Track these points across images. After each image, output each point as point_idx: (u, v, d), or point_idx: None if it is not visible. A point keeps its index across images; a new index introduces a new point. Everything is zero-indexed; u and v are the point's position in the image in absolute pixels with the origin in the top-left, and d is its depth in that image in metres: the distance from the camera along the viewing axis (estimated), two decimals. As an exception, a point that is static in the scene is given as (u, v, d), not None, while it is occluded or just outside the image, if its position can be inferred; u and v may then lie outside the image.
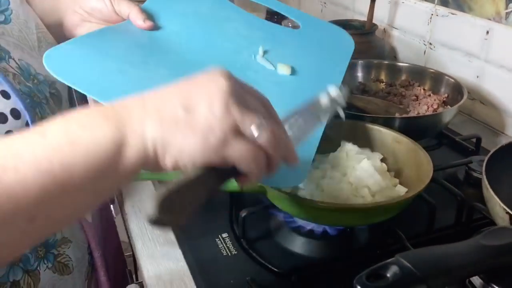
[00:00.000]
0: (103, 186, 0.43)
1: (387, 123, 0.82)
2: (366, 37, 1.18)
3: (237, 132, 0.43)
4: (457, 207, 0.72)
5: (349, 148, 0.75)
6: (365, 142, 0.79)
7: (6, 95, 0.59)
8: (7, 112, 0.58)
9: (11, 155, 0.40)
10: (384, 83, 1.07)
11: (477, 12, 1.02)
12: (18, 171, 0.39)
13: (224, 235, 0.71)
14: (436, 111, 0.93)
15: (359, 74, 1.09)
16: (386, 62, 1.11)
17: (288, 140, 0.47)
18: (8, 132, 0.58)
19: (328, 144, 0.79)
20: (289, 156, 0.47)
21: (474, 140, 0.92)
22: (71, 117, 0.42)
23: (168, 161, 0.43)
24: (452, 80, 0.97)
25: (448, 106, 0.94)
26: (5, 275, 0.65)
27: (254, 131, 0.43)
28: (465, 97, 0.89)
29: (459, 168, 0.85)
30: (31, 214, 0.40)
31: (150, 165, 0.43)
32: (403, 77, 1.07)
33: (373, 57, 1.18)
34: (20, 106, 0.59)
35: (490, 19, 0.99)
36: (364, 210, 0.63)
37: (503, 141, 0.97)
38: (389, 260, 0.41)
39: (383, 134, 0.78)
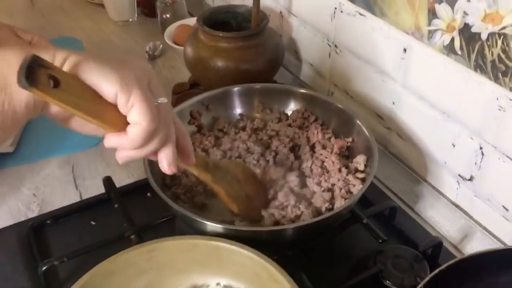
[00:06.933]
0: None
1: (274, 235, 0.58)
2: (252, 40, 0.88)
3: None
4: None
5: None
6: (233, 272, 0.55)
7: None
8: None
9: None
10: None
11: (391, 20, 0.74)
12: None
13: None
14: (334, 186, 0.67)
15: (236, 102, 0.81)
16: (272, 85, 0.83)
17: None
18: None
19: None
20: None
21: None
22: None
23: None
24: (358, 124, 0.72)
25: (355, 164, 0.70)
26: None
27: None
28: (375, 164, 0.65)
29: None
30: None
31: None
32: (299, 106, 0.80)
33: (267, 61, 0.90)
34: None
35: (408, 33, 0.72)
36: None
37: (425, 193, 0.77)
38: None
39: (256, 264, 0.54)
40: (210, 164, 0.61)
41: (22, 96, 0.42)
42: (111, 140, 0.47)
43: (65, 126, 0.47)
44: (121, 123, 0.45)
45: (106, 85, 0.43)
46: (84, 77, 0.43)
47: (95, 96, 0.44)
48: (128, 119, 0.45)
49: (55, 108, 0.44)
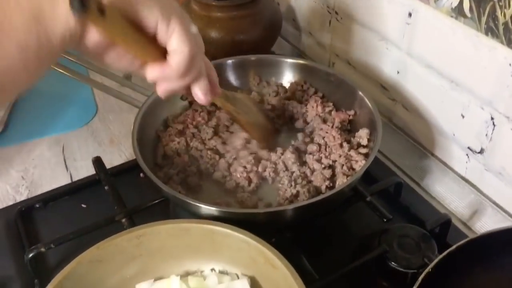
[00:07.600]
0: None
1: (271, 217, 0.55)
2: (247, 9, 0.83)
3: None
4: None
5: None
6: (228, 257, 0.52)
7: None
8: None
9: None
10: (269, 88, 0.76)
11: (395, -18, 0.69)
12: None
13: None
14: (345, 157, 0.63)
15: (231, 76, 0.77)
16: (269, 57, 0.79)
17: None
18: None
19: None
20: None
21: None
22: None
23: None
24: (361, 95, 0.68)
25: (358, 138, 0.66)
26: None
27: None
28: (379, 138, 0.61)
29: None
30: None
31: None
32: (297, 78, 0.76)
33: (263, 31, 0.85)
34: None
35: (413, -4, 0.67)
36: None
37: (433, 167, 0.73)
38: None
39: (252, 248, 0.50)
40: (230, 96, 0.63)
41: (57, 28, 0.39)
42: (155, 71, 0.47)
43: (96, 62, 0.48)
44: (160, 55, 0.46)
45: (148, 14, 0.43)
46: (125, 8, 0.42)
47: (134, 27, 0.43)
48: (169, 48, 0.45)
49: (91, 41, 0.42)
